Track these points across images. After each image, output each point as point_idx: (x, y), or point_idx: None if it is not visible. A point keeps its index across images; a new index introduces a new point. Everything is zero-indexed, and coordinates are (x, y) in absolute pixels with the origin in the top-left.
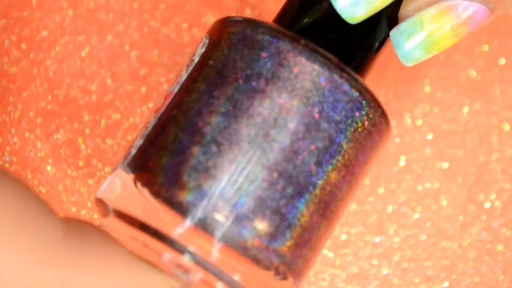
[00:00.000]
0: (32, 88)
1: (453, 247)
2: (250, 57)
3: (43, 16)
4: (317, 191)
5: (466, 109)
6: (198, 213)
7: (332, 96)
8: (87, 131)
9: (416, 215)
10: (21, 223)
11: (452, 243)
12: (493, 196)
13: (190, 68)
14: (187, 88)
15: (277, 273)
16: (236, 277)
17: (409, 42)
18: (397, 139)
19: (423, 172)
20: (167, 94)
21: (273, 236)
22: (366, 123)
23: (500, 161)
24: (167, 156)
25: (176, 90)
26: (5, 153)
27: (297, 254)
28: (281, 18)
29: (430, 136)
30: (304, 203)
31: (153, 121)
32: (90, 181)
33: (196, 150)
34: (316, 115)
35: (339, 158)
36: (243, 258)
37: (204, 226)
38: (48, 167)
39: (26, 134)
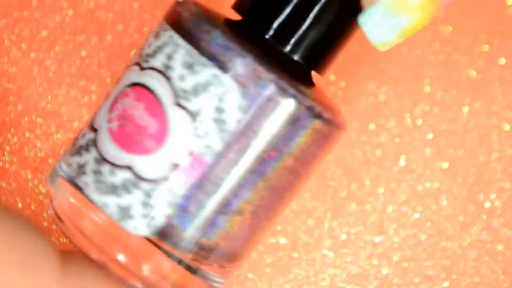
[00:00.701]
0: (32, 88)
1: (453, 247)
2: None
3: (43, 16)
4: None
5: (466, 109)
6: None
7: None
8: None
9: (416, 215)
10: (18, 262)
11: (452, 243)
12: (493, 196)
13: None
14: None
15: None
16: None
17: (378, 27)
18: (397, 139)
19: (423, 172)
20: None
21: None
22: (315, 133)
23: (500, 161)
24: None
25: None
26: (5, 153)
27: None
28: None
29: (430, 136)
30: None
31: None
32: None
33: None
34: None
35: (284, 161)
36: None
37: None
38: (48, 167)
39: (26, 134)
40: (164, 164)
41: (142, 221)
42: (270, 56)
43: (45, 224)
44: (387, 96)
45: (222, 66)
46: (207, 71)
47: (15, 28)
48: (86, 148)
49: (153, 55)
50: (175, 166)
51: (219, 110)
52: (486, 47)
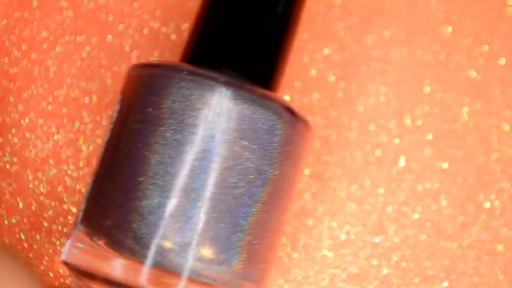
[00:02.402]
0: (32, 88)
1: (453, 247)
2: (152, 103)
3: (44, 16)
4: (254, 211)
5: (466, 109)
6: (154, 254)
7: (245, 126)
8: (87, 131)
9: (416, 215)
10: None
11: (452, 243)
12: (493, 196)
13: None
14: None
15: None
16: None
17: None
18: (397, 139)
19: (423, 172)
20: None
21: (223, 261)
22: (285, 136)
23: (500, 161)
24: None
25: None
26: (6, 153)
27: (251, 267)
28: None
29: (430, 136)
30: (244, 224)
31: (92, 180)
32: None
33: (139, 200)
34: (238, 149)
35: (269, 178)
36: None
37: (164, 265)
38: (49, 168)
39: (27, 135)
40: None
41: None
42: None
43: (46, 224)
44: (387, 96)
45: None
46: None
47: (15, 28)
48: None
49: None
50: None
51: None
52: (486, 47)
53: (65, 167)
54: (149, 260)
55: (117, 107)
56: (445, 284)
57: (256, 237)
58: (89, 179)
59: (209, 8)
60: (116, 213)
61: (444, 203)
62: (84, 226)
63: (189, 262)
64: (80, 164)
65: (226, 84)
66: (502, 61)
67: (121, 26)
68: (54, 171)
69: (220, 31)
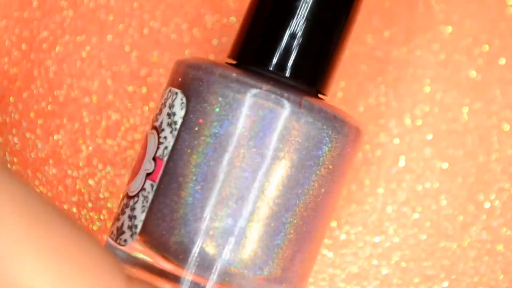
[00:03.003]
0: (32, 88)
1: (453, 247)
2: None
3: (44, 16)
4: (297, 221)
5: (466, 109)
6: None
7: (296, 137)
8: (87, 131)
9: (416, 215)
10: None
11: (452, 243)
12: (493, 196)
13: (175, 133)
14: (181, 158)
15: None
16: None
17: None
18: (397, 139)
19: (423, 172)
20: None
21: (261, 263)
22: (334, 149)
23: (500, 161)
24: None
25: (166, 158)
26: (6, 153)
27: (291, 272)
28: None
29: (430, 136)
30: (287, 228)
31: (151, 191)
32: (90, 181)
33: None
34: (284, 160)
35: (312, 184)
36: None
37: (202, 269)
38: (49, 168)
39: (27, 135)
40: (141, 178)
41: (128, 233)
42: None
43: None
44: (387, 96)
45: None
46: (167, 91)
47: (15, 28)
48: None
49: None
50: (147, 175)
51: (171, 114)
52: (486, 47)
53: (65, 167)
54: (190, 266)
55: (178, 106)
56: (445, 284)
57: (297, 244)
58: (88, 178)
59: (267, 8)
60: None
61: (444, 203)
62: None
63: (223, 266)
64: (80, 164)
65: (290, 99)
66: (502, 61)
67: (121, 26)
68: (54, 171)
69: (281, 32)
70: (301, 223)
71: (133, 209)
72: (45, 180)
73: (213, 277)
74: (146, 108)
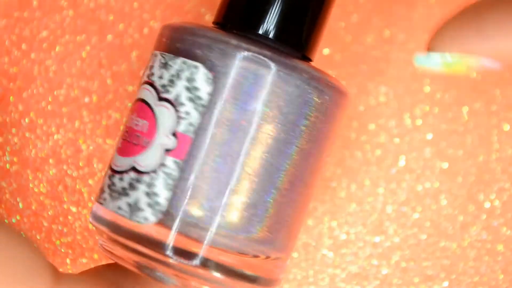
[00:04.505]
0: (32, 88)
1: (453, 247)
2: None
3: (44, 16)
4: (284, 177)
5: (466, 109)
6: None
7: (282, 94)
8: (87, 131)
9: (416, 215)
10: (10, 276)
11: (452, 243)
12: (493, 196)
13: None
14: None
15: (266, 257)
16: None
17: (427, 66)
18: (397, 139)
19: (423, 172)
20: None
21: (249, 225)
22: (319, 110)
23: (500, 161)
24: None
25: (193, 135)
26: (6, 153)
27: (276, 234)
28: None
29: (430, 136)
30: (273, 192)
31: (176, 168)
32: (90, 181)
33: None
34: (272, 117)
35: (300, 145)
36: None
37: (188, 230)
38: (49, 168)
39: (27, 134)
40: (157, 153)
41: (149, 210)
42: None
43: (46, 224)
44: (387, 96)
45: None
46: (177, 61)
47: (15, 28)
48: (105, 175)
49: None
50: (166, 151)
51: (192, 89)
52: None
53: (65, 167)
54: (175, 226)
55: (201, 81)
56: (445, 284)
57: (282, 207)
58: (88, 178)
59: None
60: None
61: (444, 203)
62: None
63: (213, 229)
64: (80, 164)
65: (273, 59)
66: None
67: (121, 26)
68: (54, 171)
69: None
70: (288, 182)
71: (151, 185)
72: (45, 180)
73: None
74: None
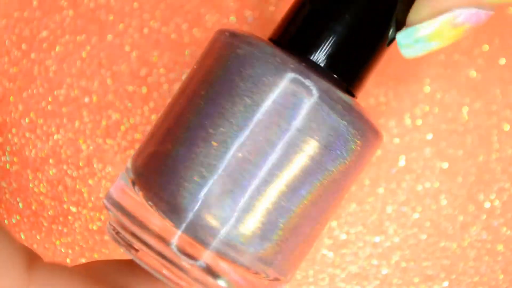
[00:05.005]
0: (32, 88)
1: (453, 247)
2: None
3: (44, 16)
4: (301, 205)
5: (466, 109)
6: (189, 218)
7: (320, 128)
8: (87, 131)
9: (416, 215)
10: None
11: (452, 243)
12: (493, 196)
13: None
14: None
15: (266, 276)
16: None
17: (411, 47)
18: (397, 139)
19: (423, 172)
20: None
21: (258, 241)
22: (355, 147)
23: (500, 161)
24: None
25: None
26: (6, 153)
27: (281, 257)
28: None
29: (430, 136)
30: (287, 216)
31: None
32: (90, 181)
33: (191, 164)
34: (304, 147)
35: (323, 180)
36: (235, 265)
37: (196, 233)
38: (49, 168)
39: (27, 134)
40: None
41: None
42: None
43: (46, 224)
44: (387, 96)
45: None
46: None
47: (15, 28)
48: None
49: None
50: None
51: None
52: (486, 47)
53: (65, 167)
54: (182, 227)
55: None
56: (445, 283)
57: (293, 232)
58: (88, 178)
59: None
60: (167, 175)
61: (444, 203)
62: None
63: (221, 236)
64: (80, 164)
65: (320, 90)
66: (502, 61)
67: (121, 26)
68: (54, 171)
69: (327, 19)
70: (304, 211)
71: None
72: (45, 180)
73: (211, 246)
74: (146, 108)
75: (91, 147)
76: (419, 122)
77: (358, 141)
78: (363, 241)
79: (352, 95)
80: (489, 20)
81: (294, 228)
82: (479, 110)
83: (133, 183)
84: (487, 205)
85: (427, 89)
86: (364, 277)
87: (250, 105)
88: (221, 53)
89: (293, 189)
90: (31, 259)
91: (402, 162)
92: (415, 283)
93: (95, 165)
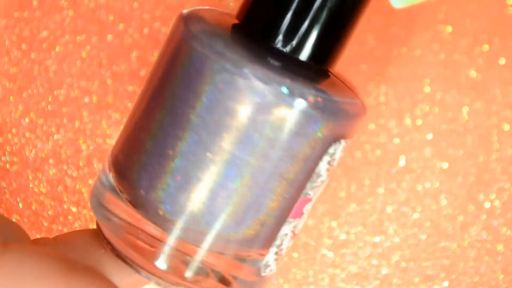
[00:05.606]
0: (32, 88)
1: (453, 247)
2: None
3: (44, 16)
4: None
5: (466, 109)
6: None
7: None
8: (87, 131)
9: (416, 215)
10: None
11: (452, 243)
12: (493, 196)
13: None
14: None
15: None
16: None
17: None
18: (397, 139)
19: (423, 172)
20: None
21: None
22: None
23: (500, 161)
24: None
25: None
26: (6, 153)
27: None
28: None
29: (430, 136)
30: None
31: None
32: (90, 181)
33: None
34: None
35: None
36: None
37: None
38: (49, 168)
39: (27, 134)
40: None
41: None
42: (278, 60)
43: (46, 224)
44: (387, 96)
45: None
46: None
47: (15, 28)
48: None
49: None
50: None
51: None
52: (486, 47)
53: (65, 167)
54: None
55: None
56: (445, 283)
57: (275, 214)
58: (88, 178)
59: None
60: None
61: (444, 203)
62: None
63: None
64: (80, 164)
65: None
66: (502, 61)
67: (121, 26)
68: (54, 171)
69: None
70: (280, 202)
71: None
72: (45, 180)
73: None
74: None
75: (91, 147)
76: (419, 122)
77: (324, 129)
78: (363, 241)
79: (326, 72)
80: (489, 20)
81: (273, 212)
82: (479, 110)
83: (109, 169)
84: (487, 205)
85: (427, 89)
86: (364, 277)
87: (207, 105)
88: (177, 47)
89: (272, 178)
90: (3, 241)
91: (402, 162)
92: (415, 283)
93: (95, 165)
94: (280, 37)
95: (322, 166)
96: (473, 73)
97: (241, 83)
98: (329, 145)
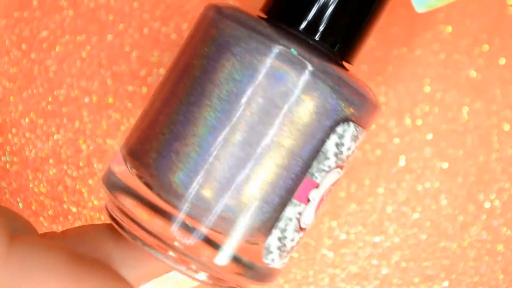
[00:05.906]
0: (32, 88)
1: (453, 247)
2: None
3: (44, 16)
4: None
5: (466, 109)
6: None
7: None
8: (87, 131)
9: (416, 215)
10: None
11: (452, 243)
12: (493, 196)
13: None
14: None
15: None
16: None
17: None
18: (397, 139)
19: (423, 172)
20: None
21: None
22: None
23: (500, 161)
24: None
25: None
26: (6, 153)
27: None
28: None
29: (430, 136)
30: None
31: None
32: (90, 181)
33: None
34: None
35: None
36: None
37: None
38: (49, 168)
39: (27, 134)
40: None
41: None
42: (303, 46)
43: (46, 224)
44: (387, 96)
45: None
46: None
47: (15, 28)
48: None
49: None
50: None
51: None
52: (486, 47)
53: (65, 167)
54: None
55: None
56: (445, 284)
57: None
58: (88, 178)
59: None
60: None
61: (444, 203)
62: (126, 152)
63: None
64: (80, 164)
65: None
66: (502, 61)
67: (121, 26)
68: (54, 171)
69: None
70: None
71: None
72: (45, 180)
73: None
74: None
75: (91, 147)
76: (419, 122)
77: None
78: (363, 241)
79: (345, 66)
80: (489, 20)
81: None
82: (479, 110)
83: (125, 160)
84: (487, 205)
85: (427, 89)
86: (364, 277)
87: (239, 84)
88: (207, 31)
89: (286, 167)
90: (11, 233)
91: (402, 162)
92: (415, 283)
93: (95, 165)
94: (307, 22)
95: (330, 146)
96: (473, 73)
97: (269, 61)
98: (337, 123)
